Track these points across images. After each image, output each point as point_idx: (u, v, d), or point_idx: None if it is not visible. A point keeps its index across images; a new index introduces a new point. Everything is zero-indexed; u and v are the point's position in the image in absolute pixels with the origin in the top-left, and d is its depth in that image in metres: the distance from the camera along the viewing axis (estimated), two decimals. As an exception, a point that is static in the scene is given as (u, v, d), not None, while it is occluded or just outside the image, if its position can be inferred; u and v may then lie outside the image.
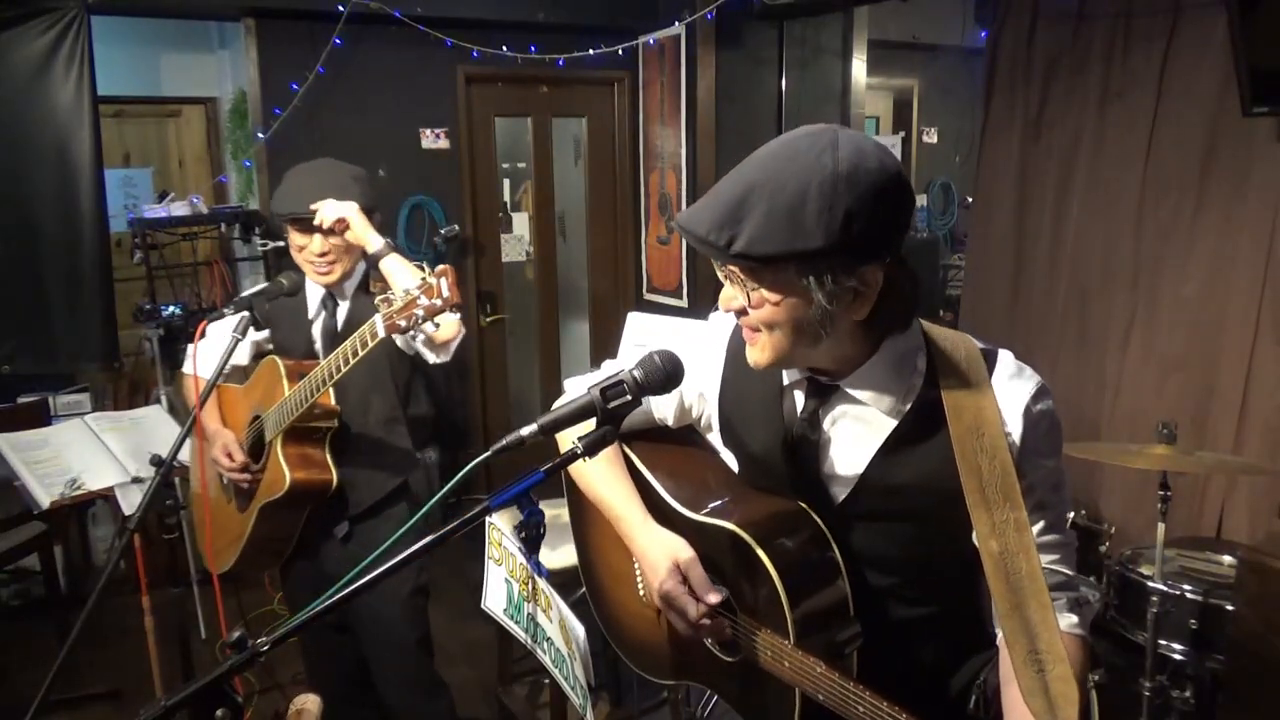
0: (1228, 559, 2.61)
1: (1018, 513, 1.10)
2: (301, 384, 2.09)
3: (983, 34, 4.05)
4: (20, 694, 3.33)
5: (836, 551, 1.22)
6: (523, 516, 1.14)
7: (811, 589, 1.20)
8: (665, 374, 1.15)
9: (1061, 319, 3.62)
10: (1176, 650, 2.47)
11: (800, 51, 4.68)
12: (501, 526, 1.42)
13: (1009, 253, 3.83)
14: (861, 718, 1.08)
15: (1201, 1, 3.07)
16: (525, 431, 1.08)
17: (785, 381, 1.28)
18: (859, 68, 4.84)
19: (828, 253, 1.03)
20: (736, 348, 1.35)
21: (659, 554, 1.32)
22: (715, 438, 1.44)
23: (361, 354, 1.91)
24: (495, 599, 1.41)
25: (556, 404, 1.19)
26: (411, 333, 1.83)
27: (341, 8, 4.04)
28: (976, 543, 1.14)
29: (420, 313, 1.76)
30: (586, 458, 1.12)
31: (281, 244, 3.94)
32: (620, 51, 4.62)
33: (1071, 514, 1.31)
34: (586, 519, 1.61)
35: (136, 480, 2.76)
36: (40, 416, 3.92)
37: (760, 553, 1.20)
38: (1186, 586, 2.48)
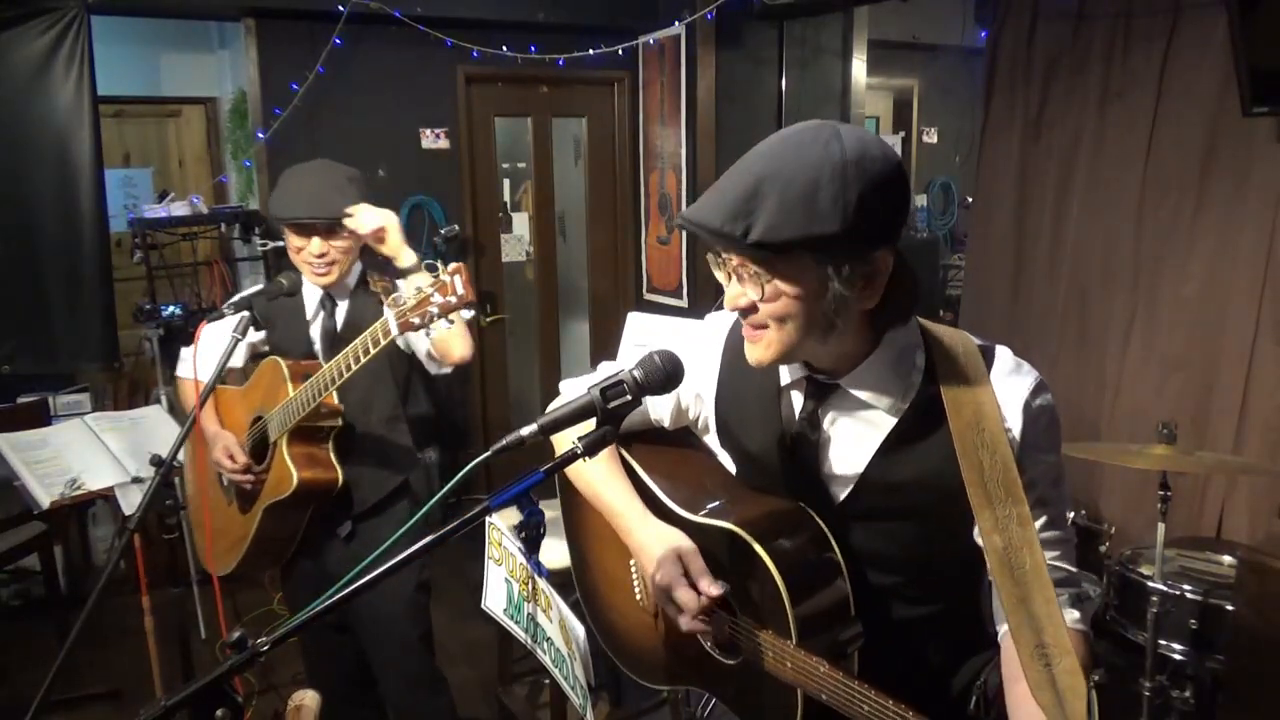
0: (1228, 559, 2.61)
1: (1020, 507, 1.11)
2: (308, 384, 2.08)
3: (983, 34, 4.05)
4: (20, 694, 3.33)
5: (837, 551, 1.22)
6: (523, 516, 1.14)
7: (813, 588, 1.20)
8: (665, 374, 1.15)
9: (1061, 319, 3.62)
10: (1176, 650, 2.47)
11: (800, 51, 4.68)
12: (501, 526, 1.42)
13: (1009, 253, 3.83)
14: (866, 717, 1.08)
15: (1201, 1, 3.07)
16: (525, 431, 1.08)
17: (783, 382, 1.27)
18: (859, 68, 4.84)
19: (843, 237, 1.04)
20: (733, 348, 1.35)
21: (659, 546, 1.31)
22: (711, 439, 1.44)
23: (374, 352, 1.90)
24: (495, 599, 1.41)
25: (553, 405, 1.19)
26: (427, 330, 1.81)
27: (341, 8, 4.04)
28: (979, 538, 1.14)
29: (434, 310, 1.74)
30: (586, 458, 1.11)
31: (281, 244, 3.94)
32: (620, 51, 4.62)
33: (1071, 512, 1.30)
34: (581, 526, 1.60)
35: (136, 480, 2.76)
36: (40, 416, 3.92)
37: (761, 551, 1.19)
38: (1186, 586, 2.47)
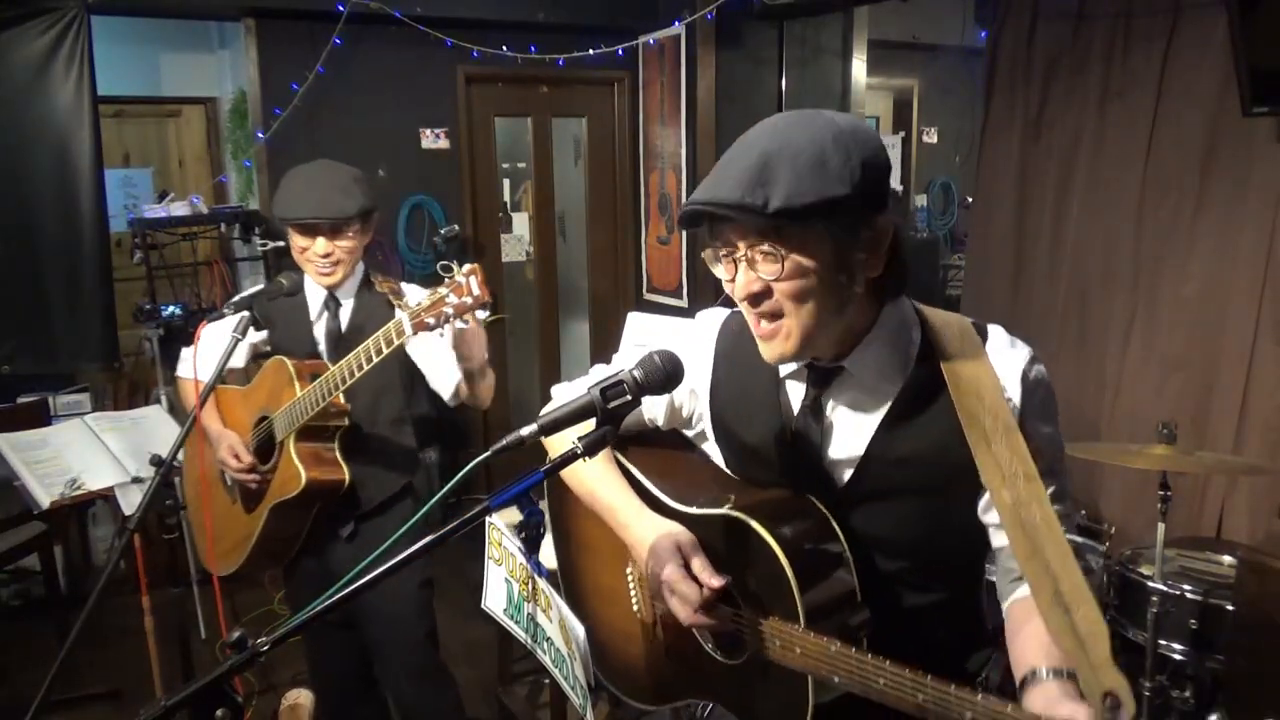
0: (1228, 559, 2.61)
1: (1026, 465, 1.12)
2: (317, 384, 2.08)
3: (982, 34, 4.05)
4: (20, 694, 3.33)
5: (841, 537, 1.21)
6: (523, 516, 1.15)
7: (819, 573, 1.19)
8: (665, 374, 1.15)
9: (1061, 319, 3.62)
10: (1176, 650, 2.47)
11: (800, 51, 4.69)
12: (501, 526, 1.42)
13: (1009, 253, 3.83)
14: (883, 691, 1.06)
15: (1201, 1, 3.07)
16: (525, 431, 1.08)
17: (783, 373, 1.28)
18: (859, 68, 4.84)
19: (853, 200, 1.08)
20: (726, 345, 1.36)
21: (658, 540, 1.29)
22: (704, 436, 1.43)
23: (386, 352, 1.90)
24: (495, 599, 1.41)
25: (545, 410, 1.18)
26: (441, 331, 1.79)
27: (341, 8, 4.04)
28: (988, 497, 1.15)
29: (449, 310, 1.74)
30: (587, 457, 1.11)
31: (281, 244, 3.94)
32: (620, 51, 4.62)
33: (1071, 487, 1.31)
34: (571, 541, 1.59)
35: (136, 480, 2.76)
36: (40, 416, 3.92)
37: (765, 534, 1.18)
38: (1186, 586, 2.47)
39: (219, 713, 0.95)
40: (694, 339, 1.39)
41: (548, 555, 1.46)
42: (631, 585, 1.46)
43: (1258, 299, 2.97)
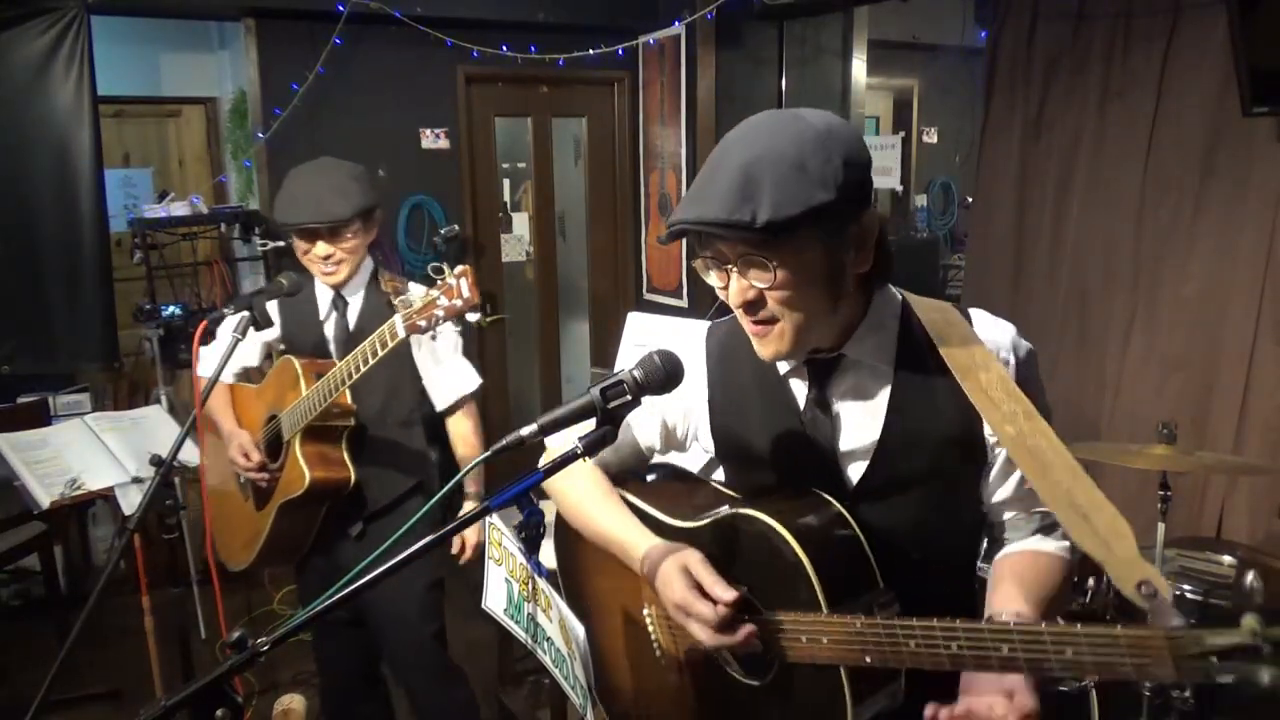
0: (1228, 559, 2.61)
1: (1024, 404, 1.14)
2: (319, 384, 2.10)
3: (982, 34, 4.05)
4: (20, 694, 3.33)
5: (854, 523, 1.20)
6: (523, 516, 1.15)
7: (835, 558, 1.17)
8: (665, 374, 1.15)
9: (1061, 319, 3.62)
10: (1176, 650, 2.46)
11: (800, 51, 4.68)
12: (501, 526, 1.42)
13: (1009, 253, 3.83)
14: (917, 654, 1.06)
15: (1201, 1, 3.07)
16: (525, 431, 1.08)
17: (782, 371, 1.28)
18: (859, 68, 4.84)
19: (838, 203, 1.07)
20: (717, 355, 1.35)
21: (664, 566, 1.24)
22: (700, 455, 1.42)
23: (381, 354, 1.92)
24: (495, 599, 1.41)
25: (542, 459, 1.17)
26: (433, 335, 1.86)
27: (341, 8, 4.04)
28: (993, 438, 1.19)
29: (440, 313, 1.79)
30: (587, 457, 1.11)
31: (281, 244, 3.94)
32: (620, 51, 4.62)
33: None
34: (583, 598, 1.54)
35: (136, 480, 2.76)
36: (40, 416, 3.92)
37: (774, 524, 1.16)
38: (1186, 586, 2.47)
39: (219, 713, 0.95)
40: (681, 355, 1.38)
41: (548, 555, 1.46)
42: (651, 627, 1.40)
43: (1258, 299, 2.97)
